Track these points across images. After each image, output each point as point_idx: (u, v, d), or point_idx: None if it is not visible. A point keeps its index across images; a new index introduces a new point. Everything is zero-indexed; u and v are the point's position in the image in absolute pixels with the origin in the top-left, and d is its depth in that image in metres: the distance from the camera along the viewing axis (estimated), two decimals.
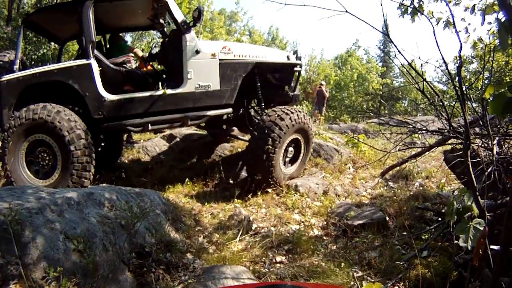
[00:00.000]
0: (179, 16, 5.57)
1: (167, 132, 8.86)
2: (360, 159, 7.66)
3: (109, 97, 5.31)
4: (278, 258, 3.90)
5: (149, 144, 8.48)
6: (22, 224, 2.62)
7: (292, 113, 5.69)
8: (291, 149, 6.08)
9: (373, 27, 3.08)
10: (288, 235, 4.40)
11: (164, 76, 6.37)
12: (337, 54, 33.78)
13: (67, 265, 2.61)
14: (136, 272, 3.16)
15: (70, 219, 2.97)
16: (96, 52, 5.48)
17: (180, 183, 6.19)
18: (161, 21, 6.45)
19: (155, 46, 6.82)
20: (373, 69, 31.89)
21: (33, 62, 13.25)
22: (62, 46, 7.47)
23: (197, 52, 5.55)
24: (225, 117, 6.38)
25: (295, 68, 6.64)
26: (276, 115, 5.60)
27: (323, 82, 19.77)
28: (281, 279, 3.46)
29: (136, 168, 7.24)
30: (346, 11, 2.90)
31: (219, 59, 5.67)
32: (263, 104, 6.16)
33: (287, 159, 6.12)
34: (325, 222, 4.85)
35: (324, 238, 4.47)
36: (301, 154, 6.26)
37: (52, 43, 13.02)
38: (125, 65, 6.05)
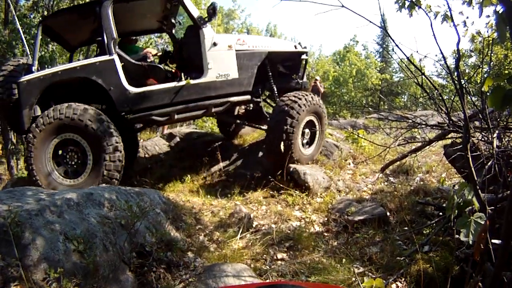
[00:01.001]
0: (195, 12, 5.88)
1: (167, 131, 8.85)
2: (360, 154, 7.64)
3: (133, 90, 5.50)
4: (279, 255, 3.90)
5: (149, 144, 8.48)
6: (22, 226, 2.62)
7: (305, 96, 6.12)
8: (307, 131, 6.39)
9: (371, 22, 3.07)
10: (289, 232, 4.40)
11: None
12: (336, 50, 33.79)
13: (67, 266, 2.61)
14: (137, 272, 3.16)
15: (70, 220, 2.96)
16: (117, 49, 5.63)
17: (180, 182, 6.20)
18: (173, 21, 6.94)
19: (167, 46, 7.25)
20: (372, 64, 31.87)
21: None
22: (72, 52, 7.63)
23: (215, 44, 5.87)
24: (237, 111, 6.81)
25: (302, 56, 7.05)
26: (291, 99, 5.96)
27: (318, 77, 19.65)
28: (282, 276, 3.46)
29: (136, 168, 7.24)
30: (343, 6, 2.89)
31: (236, 50, 6.02)
32: (276, 91, 6.47)
33: (305, 141, 6.41)
34: (326, 218, 4.85)
35: (325, 234, 4.46)
36: (317, 136, 6.60)
37: (50, 46, 12.97)
38: (145, 61, 6.23)
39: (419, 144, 5.97)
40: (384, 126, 8.18)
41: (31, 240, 2.58)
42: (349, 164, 7.22)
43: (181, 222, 4.39)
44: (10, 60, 6.21)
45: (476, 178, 2.45)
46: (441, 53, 3.08)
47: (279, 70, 6.95)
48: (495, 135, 3.45)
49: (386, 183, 6.20)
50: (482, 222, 2.14)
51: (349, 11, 2.90)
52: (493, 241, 2.09)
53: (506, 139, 3.95)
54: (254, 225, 4.59)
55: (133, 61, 5.87)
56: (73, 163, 5.35)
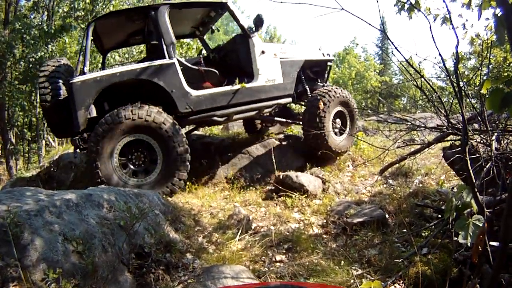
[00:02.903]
0: (245, 22, 6.35)
1: None
2: (359, 156, 7.65)
3: (194, 92, 5.77)
4: (278, 257, 3.90)
5: None
6: (21, 226, 2.62)
7: (335, 89, 6.93)
8: (338, 120, 7.07)
9: (370, 24, 3.07)
10: (287, 233, 4.40)
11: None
12: (335, 52, 33.69)
13: (66, 267, 2.61)
14: (136, 273, 3.16)
15: (69, 220, 2.96)
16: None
17: None
18: (213, 27, 7.55)
19: (211, 52, 7.52)
20: (371, 66, 31.85)
21: (30, 65, 13.22)
22: (105, 55, 7.74)
23: (263, 52, 6.40)
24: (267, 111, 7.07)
25: (328, 63, 7.82)
26: (322, 90, 6.83)
27: None
28: (281, 278, 3.46)
29: None
30: (342, 9, 2.89)
31: (280, 58, 6.61)
32: (309, 93, 7.12)
33: (336, 130, 7.02)
34: (325, 220, 4.85)
35: (324, 236, 4.46)
36: (348, 126, 7.21)
37: (50, 46, 12.96)
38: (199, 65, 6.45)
39: (418, 146, 5.97)
40: (383, 129, 8.22)
41: (30, 241, 2.59)
42: (348, 166, 7.23)
43: (180, 223, 4.39)
44: (49, 60, 6.20)
45: (474, 181, 2.45)
46: (440, 55, 3.08)
47: (308, 75, 7.43)
48: (493, 137, 3.46)
49: (385, 186, 6.21)
50: (481, 225, 2.15)
51: (349, 13, 2.91)
52: (491, 243, 2.10)
53: (505, 142, 3.95)
54: (253, 227, 4.60)
55: (190, 65, 6.11)
56: (139, 163, 5.50)
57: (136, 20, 6.29)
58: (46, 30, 12.87)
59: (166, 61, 5.65)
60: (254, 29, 6.28)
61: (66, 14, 14.06)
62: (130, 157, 5.43)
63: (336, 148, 6.76)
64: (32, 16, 14.58)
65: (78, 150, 5.81)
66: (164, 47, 5.71)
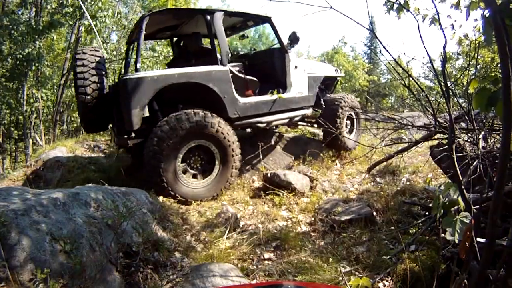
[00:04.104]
0: (284, 39, 6.82)
1: None
2: (347, 155, 7.70)
3: (241, 99, 6.11)
4: (266, 255, 3.90)
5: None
6: (8, 226, 2.57)
7: (347, 96, 8.01)
8: (348, 122, 8.05)
9: (359, 24, 3.08)
10: (275, 231, 4.40)
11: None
12: (324, 51, 33.80)
13: (54, 267, 2.57)
14: (124, 272, 3.13)
15: (56, 219, 2.92)
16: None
17: None
18: (245, 34, 8.29)
19: (244, 59, 7.77)
20: (360, 66, 31.98)
21: (18, 62, 13.03)
22: (129, 46, 7.65)
23: (296, 67, 7.02)
24: None
25: (338, 78, 8.98)
26: (337, 98, 7.77)
27: None
28: (269, 276, 3.46)
29: (122, 167, 7.17)
30: (331, 7, 2.89)
31: (307, 73, 7.30)
32: (323, 103, 7.85)
33: (347, 130, 8.01)
34: (313, 218, 4.86)
35: (312, 234, 4.47)
36: (355, 127, 8.28)
37: (37, 43, 12.79)
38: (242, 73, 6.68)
39: (406, 145, 6.04)
40: (371, 127, 8.28)
41: (18, 241, 2.54)
42: (336, 164, 7.27)
43: (168, 222, 4.36)
44: (84, 47, 6.05)
45: (461, 178, 2.47)
46: (428, 55, 3.10)
47: (320, 87, 7.95)
48: (480, 136, 3.49)
49: (372, 184, 6.25)
50: (468, 222, 2.16)
51: (338, 12, 2.91)
52: (478, 239, 2.11)
53: (491, 140, 3.99)
54: (241, 225, 4.59)
55: (237, 73, 6.29)
56: (197, 165, 5.61)
57: (184, 20, 6.68)
58: (34, 26, 12.69)
59: (221, 68, 5.89)
60: (290, 45, 6.81)
61: (54, 11, 13.88)
62: (188, 161, 5.52)
63: (348, 145, 7.73)
64: (20, 12, 14.34)
65: (120, 150, 5.79)
66: (218, 55, 5.96)
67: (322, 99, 7.84)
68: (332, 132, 6.51)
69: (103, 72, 5.78)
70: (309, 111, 7.40)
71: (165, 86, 5.33)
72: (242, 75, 6.42)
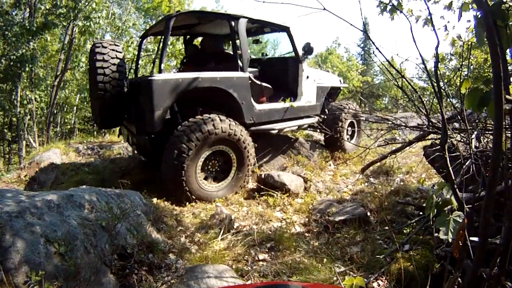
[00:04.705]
0: (300, 50, 7.06)
1: None
2: (341, 155, 7.73)
3: (257, 106, 6.25)
4: (261, 256, 3.89)
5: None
6: (2, 228, 2.57)
7: (350, 104, 8.28)
8: (349, 128, 8.41)
9: (352, 25, 3.09)
10: (270, 232, 4.40)
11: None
12: (318, 52, 33.82)
13: (48, 269, 2.57)
14: (119, 274, 3.12)
15: (50, 222, 2.91)
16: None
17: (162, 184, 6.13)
18: (259, 39, 8.85)
19: (257, 64, 7.99)
20: (354, 67, 32.05)
21: (11, 63, 12.98)
22: (142, 40, 7.89)
23: (307, 77, 7.32)
24: None
25: (341, 88, 9.20)
26: (340, 107, 8.11)
27: None
28: (264, 277, 3.46)
29: (116, 169, 7.15)
30: (324, 9, 2.90)
31: (316, 83, 7.62)
32: (327, 111, 8.20)
33: (349, 135, 8.48)
34: (307, 219, 4.87)
35: (306, 234, 4.47)
36: (356, 133, 8.66)
37: (31, 44, 12.75)
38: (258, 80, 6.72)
39: (399, 145, 6.06)
40: (365, 128, 8.32)
41: (12, 243, 2.53)
42: (330, 165, 7.29)
43: (162, 223, 4.35)
44: (103, 41, 5.79)
45: (454, 178, 2.48)
46: (421, 56, 3.12)
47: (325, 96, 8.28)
48: (473, 136, 3.51)
49: (366, 184, 6.27)
50: (461, 221, 2.18)
51: (331, 14, 2.92)
52: (472, 238, 2.12)
53: (484, 140, 4.02)
54: (235, 226, 4.58)
55: (255, 80, 6.33)
56: (214, 170, 5.66)
57: (206, 22, 6.77)
58: (28, 27, 12.64)
59: (242, 74, 5.97)
60: (304, 55, 7.08)
61: (48, 12, 13.83)
62: (207, 165, 5.53)
63: (348, 150, 8.14)
64: (14, 13, 14.28)
65: (136, 151, 5.77)
66: (240, 62, 5.98)
67: (326, 108, 8.12)
68: (333, 137, 6.97)
69: (124, 69, 5.68)
70: (315, 120, 7.62)
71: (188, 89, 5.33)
72: (258, 82, 6.45)
